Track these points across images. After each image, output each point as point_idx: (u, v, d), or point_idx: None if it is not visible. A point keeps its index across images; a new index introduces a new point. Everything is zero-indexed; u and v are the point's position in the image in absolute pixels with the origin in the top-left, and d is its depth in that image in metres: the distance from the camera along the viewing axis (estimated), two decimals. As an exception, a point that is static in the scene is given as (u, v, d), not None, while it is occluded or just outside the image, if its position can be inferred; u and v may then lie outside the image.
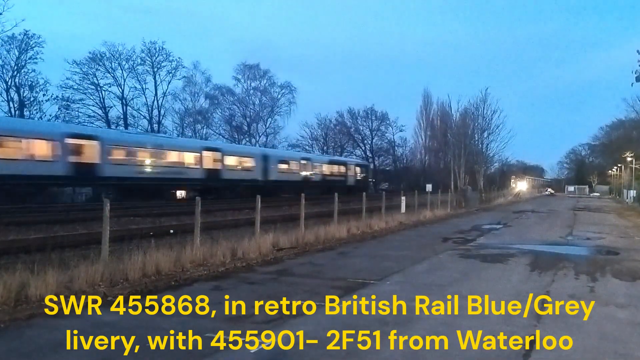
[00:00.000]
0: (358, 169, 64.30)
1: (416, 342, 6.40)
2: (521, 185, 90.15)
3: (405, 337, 6.60)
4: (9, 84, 46.19)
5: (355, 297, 8.97)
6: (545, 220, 30.52)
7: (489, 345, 6.36)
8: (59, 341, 6.32)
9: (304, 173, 52.03)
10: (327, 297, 8.81)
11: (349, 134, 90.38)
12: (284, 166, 49.58)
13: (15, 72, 45.87)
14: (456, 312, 7.99)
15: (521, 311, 8.13)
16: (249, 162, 44.57)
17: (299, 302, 8.41)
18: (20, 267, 8.25)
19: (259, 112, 75.00)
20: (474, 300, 8.76)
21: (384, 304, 8.38)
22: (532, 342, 6.52)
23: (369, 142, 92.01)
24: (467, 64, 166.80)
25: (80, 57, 53.60)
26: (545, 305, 8.60)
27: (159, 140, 38.90)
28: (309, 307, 8.11)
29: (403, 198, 27.90)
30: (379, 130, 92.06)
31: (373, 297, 8.94)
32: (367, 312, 7.89)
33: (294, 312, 7.82)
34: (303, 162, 52.61)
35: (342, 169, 60.79)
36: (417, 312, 7.94)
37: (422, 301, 8.65)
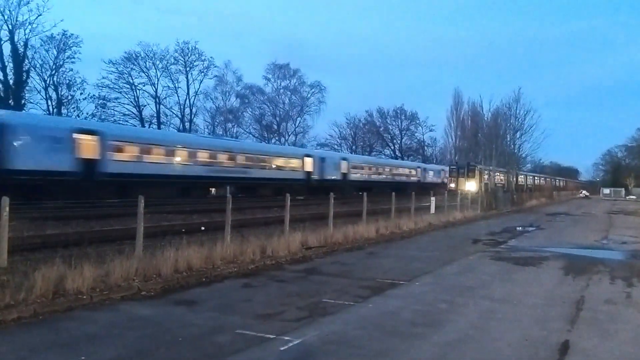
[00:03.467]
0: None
1: (446, 344, 6.36)
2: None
3: (435, 339, 6.57)
4: (48, 82, 47.61)
5: (384, 297, 8.95)
6: (579, 223, 29.79)
7: (520, 349, 6.27)
8: (94, 333, 6.51)
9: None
10: (356, 297, 8.82)
11: (378, 133, 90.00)
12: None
13: (54, 71, 47.25)
14: (487, 315, 7.89)
15: (554, 315, 7.98)
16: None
17: (328, 301, 8.44)
18: (59, 261, 8.51)
19: (288, 111, 75.38)
20: (506, 304, 8.64)
21: (413, 305, 8.34)
22: (566, 348, 6.39)
23: (398, 141, 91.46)
24: (499, 64, 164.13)
25: (116, 57, 54.87)
26: (579, 310, 8.42)
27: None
28: (338, 306, 8.14)
29: (432, 199, 27.63)
30: (408, 129, 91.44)
31: (402, 297, 8.91)
32: (396, 313, 7.87)
33: (323, 311, 7.86)
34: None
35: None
36: (447, 314, 7.88)
37: (452, 303, 8.57)
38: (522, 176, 67.11)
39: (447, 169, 56.01)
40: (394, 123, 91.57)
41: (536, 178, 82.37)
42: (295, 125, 77.35)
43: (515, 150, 56.60)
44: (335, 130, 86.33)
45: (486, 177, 47.18)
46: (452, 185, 43.88)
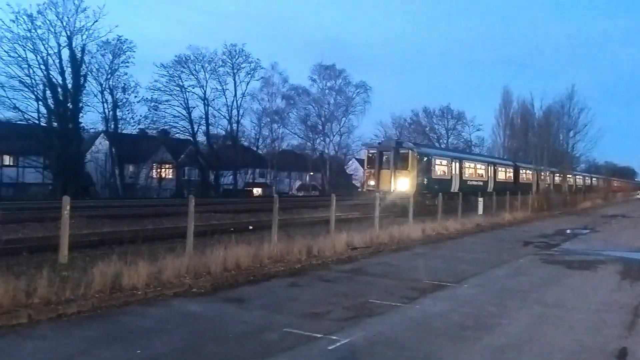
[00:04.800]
0: None
1: (496, 349, 6.24)
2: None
3: (485, 343, 6.45)
4: (104, 86, 49.57)
5: (431, 299, 8.86)
6: (637, 226, 28.44)
7: (574, 356, 6.08)
8: (148, 327, 6.76)
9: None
10: (403, 298, 8.77)
11: (424, 133, 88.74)
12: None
13: (109, 75, 49.13)
14: (539, 320, 7.68)
15: (610, 321, 7.67)
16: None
17: (375, 302, 8.43)
18: (115, 258, 8.87)
19: (333, 111, 75.45)
20: (559, 308, 8.38)
21: (461, 308, 8.22)
22: (623, 355, 6.14)
23: (445, 141, 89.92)
24: (550, 61, 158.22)
25: (167, 60, 56.47)
26: (637, 316, 8.07)
27: None
28: (385, 307, 8.11)
29: (480, 199, 27.06)
30: (455, 129, 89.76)
31: (450, 299, 8.80)
32: (444, 315, 7.77)
33: (370, 312, 7.85)
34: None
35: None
36: (497, 318, 7.71)
37: (502, 306, 8.39)
38: (575, 176, 64.59)
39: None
40: (440, 122, 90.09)
41: (590, 178, 79.12)
42: (340, 125, 77.35)
43: (569, 150, 54.67)
44: (381, 130, 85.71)
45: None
46: (371, 182, 28.10)
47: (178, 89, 57.58)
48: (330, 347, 6.12)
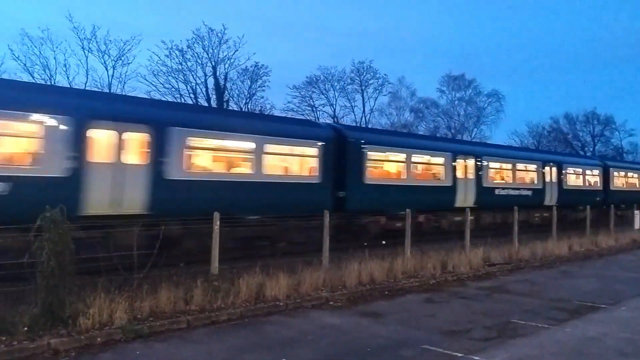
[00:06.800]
0: None
1: (665, 380, 5.55)
2: None
3: (651, 373, 5.78)
4: (243, 110, 53.45)
5: (583, 321, 8.13)
6: None
7: None
8: (291, 337, 7.09)
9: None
10: (550, 319, 8.17)
11: (565, 141, 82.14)
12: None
13: (248, 100, 52.76)
14: None
15: None
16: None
17: (518, 322, 7.97)
18: (259, 270, 9.46)
19: (463, 122, 73.14)
20: None
21: (619, 332, 7.44)
22: None
23: (590, 149, 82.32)
24: None
25: (298, 82, 59.31)
26: None
27: None
28: (530, 328, 7.63)
29: (637, 212, 24.25)
30: (602, 135, 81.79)
31: (605, 323, 8.01)
32: (599, 339, 7.09)
33: (513, 332, 7.44)
34: None
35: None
36: (665, 346, 6.86)
37: (670, 333, 7.44)
38: None
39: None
40: (584, 129, 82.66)
41: None
42: (471, 136, 74.68)
43: None
44: (516, 140, 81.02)
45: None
46: None
47: (309, 108, 60.02)
48: (472, 367, 5.93)
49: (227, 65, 46.59)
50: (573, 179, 25.81)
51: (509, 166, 22.17)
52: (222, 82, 46.37)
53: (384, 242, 15.34)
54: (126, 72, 37.71)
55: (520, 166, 22.93)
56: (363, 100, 64.73)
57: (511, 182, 22.09)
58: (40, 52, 31.81)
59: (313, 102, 59.44)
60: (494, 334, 7.34)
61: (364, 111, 64.60)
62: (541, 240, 16.40)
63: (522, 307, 9.05)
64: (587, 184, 27.11)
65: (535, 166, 23.64)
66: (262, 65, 51.82)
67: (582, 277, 12.55)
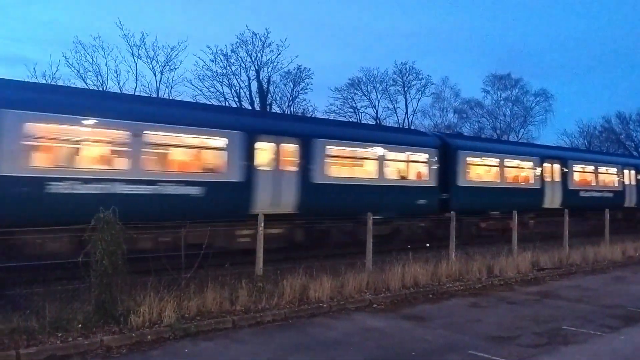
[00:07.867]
0: None
1: None
2: None
3: None
4: (286, 112, 53.95)
5: (638, 329, 7.80)
6: None
7: None
8: (335, 339, 7.10)
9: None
10: (603, 326, 7.87)
11: (618, 141, 78.81)
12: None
13: (291, 102, 53.19)
14: None
15: None
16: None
17: (569, 329, 7.71)
18: (302, 272, 9.51)
19: (509, 123, 71.31)
20: None
21: (680, 342, 7.09)
22: None
23: (645, 149, 78.67)
24: None
25: (341, 84, 59.34)
26: None
27: None
28: (582, 335, 7.37)
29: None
30: (658, 134, 78.08)
31: (664, 332, 7.64)
32: (657, 349, 6.79)
33: (565, 340, 7.20)
34: None
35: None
36: None
37: None
38: None
39: None
40: (638, 129, 79.23)
41: None
42: (517, 137, 72.68)
43: None
44: (565, 140, 78.33)
45: None
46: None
47: (352, 110, 59.93)
48: (520, 374, 5.77)
49: (270, 69, 47.09)
50: None
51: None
52: (265, 85, 46.94)
53: (427, 245, 15.18)
54: (173, 77, 38.69)
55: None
56: (406, 101, 63.98)
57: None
58: (92, 59, 33.06)
59: (355, 103, 59.31)
60: (544, 341, 7.12)
61: (406, 112, 63.89)
62: (592, 244, 15.82)
63: (573, 314, 8.75)
64: None
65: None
66: (305, 68, 52.14)
67: (637, 283, 12.03)
